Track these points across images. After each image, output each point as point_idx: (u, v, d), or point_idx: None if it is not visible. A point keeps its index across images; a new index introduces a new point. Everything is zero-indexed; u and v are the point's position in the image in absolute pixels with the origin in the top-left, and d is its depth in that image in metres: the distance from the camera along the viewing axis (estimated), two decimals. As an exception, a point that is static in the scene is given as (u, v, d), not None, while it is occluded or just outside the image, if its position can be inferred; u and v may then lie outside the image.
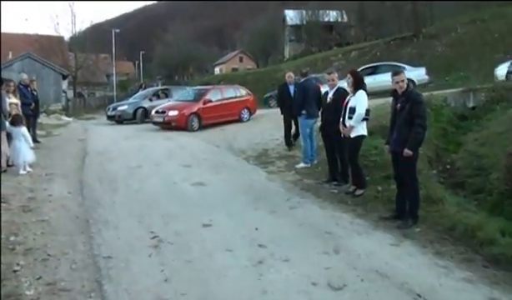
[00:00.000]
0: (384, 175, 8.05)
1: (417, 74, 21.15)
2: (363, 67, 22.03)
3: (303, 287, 4.55)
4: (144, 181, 9.24)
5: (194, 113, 17.95)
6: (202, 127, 17.81)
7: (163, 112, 18.29)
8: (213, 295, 4.45)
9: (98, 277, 4.77)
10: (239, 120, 19.19)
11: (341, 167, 8.56)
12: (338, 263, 5.10)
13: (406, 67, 21.43)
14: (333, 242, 5.72)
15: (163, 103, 20.74)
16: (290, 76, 12.55)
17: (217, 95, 19.39)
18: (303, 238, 5.91)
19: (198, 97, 19.01)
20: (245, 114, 19.69)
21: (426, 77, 21.77)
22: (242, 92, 20.79)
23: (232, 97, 19.82)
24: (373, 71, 21.80)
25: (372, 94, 18.72)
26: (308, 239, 5.87)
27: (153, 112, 19.03)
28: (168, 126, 17.84)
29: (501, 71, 18.18)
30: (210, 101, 18.74)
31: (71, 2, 60.19)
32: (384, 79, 20.26)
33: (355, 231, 6.20)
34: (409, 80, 20.12)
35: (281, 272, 4.85)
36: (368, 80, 19.96)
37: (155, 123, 18.68)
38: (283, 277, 4.76)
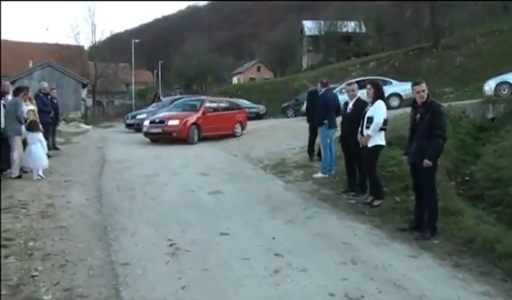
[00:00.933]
0: (402, 186, 8.00)
1: (403, 89, 20.57)
2: (348, 82, 21.60)
3: (320, 298, 4.52)
4: (162, 189, 9.28)
5: (195, 124, 16.74)
6: (200, 140, 16.83)
7: (162, 122, 16.69)
8: (230, 304, 4.44)
9: (116, 283, 4.78)
10: (233, 135, 18.16)
11: (359, 178, 8.51)
12: (356, 274, 5.05)
13: (393, 81, 21.10)
14: (350, 253, 5.68)
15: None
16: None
17: (213, 105, 18.77)
18: (321, 248, 5.87)
19: (197, 106, 17.82)
20: (238, 129, 18.74)
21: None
22: (235, 105, 20.49)
23: (227, 109, 19.08)
24: (359, 86, 21.28)
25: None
26: (326, 249, 5.83)
27: (146, 122, 17.53)
28: (166, 137, 16.52)
29: (489, 86, 17.99)
30: (209, 111, 17.79)
31: (91, 12, 60.93)
32: None
33: (373, 242, 6.15)
34: (396, 94, 20.08)
35: (298, 282, 4.82)
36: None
37: (148, 135, 17.14)
38: (300, 288, 4.72)
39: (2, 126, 9.40)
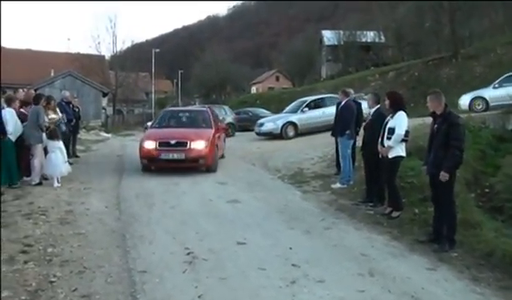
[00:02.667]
0: (420, 197, 7.92)
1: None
2: (310, 100, 21.23)
3: (337, 309, 4.50)
4: (180, 197, 9.33)
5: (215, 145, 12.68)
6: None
7: (180, 145, 11.87)
8: (246, 313, 4.44)
9: (133, 291, 4.82)
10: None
11: (377, 188, 8.45)
12: (373, 286, 5.01)
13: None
14: (367, 265, 5.64)
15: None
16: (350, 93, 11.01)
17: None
18: (338, 259, 5.84)
19: (207, 120, 13.78)
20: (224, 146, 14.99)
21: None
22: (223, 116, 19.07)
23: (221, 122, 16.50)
24: (321, 103, 20.82)
25: (320, 131, 18.45)
26: (343, 260, 5.80)
27: (148, 144, 12.10)
28: (190, 166, 12.03)
29: (464, 101, 17.87)
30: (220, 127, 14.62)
31: (112, 22, 61.86)
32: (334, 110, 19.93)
33: (391, 253, 6.09)
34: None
35: (315, 293, 4.80)
36: (317, 113, 19.89)
37: (152, 161, 12.13)
38: (317, 299, 4.70)
39: (9, 132, 9.39)
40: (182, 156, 11.73)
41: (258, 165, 13.58)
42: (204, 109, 15.70)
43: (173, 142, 11.90)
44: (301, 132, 20.00)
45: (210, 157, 12.04)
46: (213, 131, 12.87)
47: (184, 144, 11.83)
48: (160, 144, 11.89)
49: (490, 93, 17.74)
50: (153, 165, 12.14)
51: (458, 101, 17.98)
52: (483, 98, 17.66)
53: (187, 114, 15.09)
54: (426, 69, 33.81)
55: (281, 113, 22.80)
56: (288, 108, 22.81)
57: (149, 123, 25.85)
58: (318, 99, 21.47)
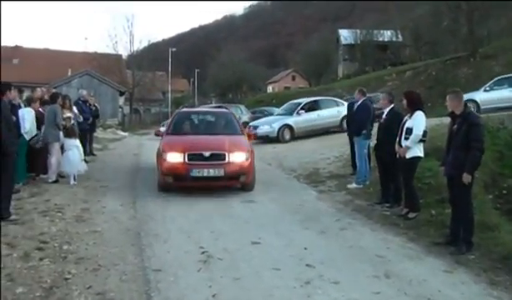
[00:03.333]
0: (438, 198, 7.82)
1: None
2: (305, 103, 20.54)
3: (352, 311, 4.45)
4: (196, 196, 9.33)
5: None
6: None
7: (217, 158, 9.39)
8: (260, 314, 4.41)
9: (147, 289, 4.82)
10: None
11: (393, 189, 8.37)
12: (389, 289, 4.95)
13: (345, 103, 20.54)
14: (383, 266, 5.57)
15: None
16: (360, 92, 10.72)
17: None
18: (353, 261, 5.79)
19: (240, 124, 11.76)
20: None
21: None
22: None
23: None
24: (316, 106, 20.32)
25: (317, 134, 18.18)
26: (358, 262, 5.74)
27: (172, 156, 9.41)
28: (222, 184, 9.64)
29: None
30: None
31: (129, 22, 62.41)
32: (329, 114, 19.70)
33: (407, 255, 6.02)
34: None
35: (329, 295, 4.76)
36: (313, 116, 19.45)
37: (179, 179, 9.39)
38: (332, 300, 4.66)
39: (24, 131, 9.42)
40: (220, 172, 9.15)
41: (274, 165, 13.56)
42: (227, 111, 13.36)
43: (207, 154, 9.31)
44: (297, 135, 19.37)
45: (251, 173, 9.73)
46: (246, 138, 10.67)
47: (221, 157, 9.34)
48: (190, 157, 9.24)
49: (481, 96, 17.74)
50: (180, 184, 9.41)
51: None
52: (474, 101, 17.56)
53: (208, 117, 12.62)
54: (444, 69, 33.43)
55: (275, 116, 22.10)
56: (280, 110, 22.57)
57: (167, 122, 25.94)
58: (313, 101, 20.83)
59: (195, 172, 9.12)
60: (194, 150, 9.45)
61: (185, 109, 16.40)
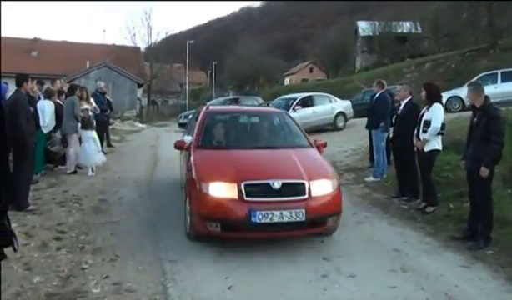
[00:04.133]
0: (456, 192, 7.72)
1: (345, 106, 20.04)
2: (300, 99, 19.73)
3: (368, 305, 4.41)
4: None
5: None
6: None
7: (292, 190, 5.76)
8: (276, 306, 4.38)
9: (164, 280, 4.85)
10: None
11: (410, 182, 8.28)
12: (405, 283, 4.90)
13: (337, 100, 20.16)
14: (400, 261, 5.52)
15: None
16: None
17: None
18: (370, 255, 5.74)
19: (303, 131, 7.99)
20: None
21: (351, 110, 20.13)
22: None
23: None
24: (310, 102, 19.65)
25: (312, 131, 17.78)
26: (375, 256, 5.70)
27: (219, 189, 5.68)
28: (301, 233, 6.04)
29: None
30: None
31: (147, 15, 62.73)
32: (324, 111, 19.26)
33: (424, 250, 5.96)
34: (341, 113, 19.27)
35: (346, 289, 4.72)
36: (308, 112, 18.85)
37: (234, 229, 5.64)
38: (348, 294, 4.62)
39: (43, 125, 9.45)
40: (300, 215, 5.61)
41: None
42: (278, 110, 9.00)
43: (276, 183, 5.69)
44: None
45: (340, 210, 6.23)
46: (319, 153, 7.14)
47: (299, 189, 5.79)
48: (249, 190, 5.65)
49: (466, 93, 17.29)
50: (232, 235, 5.77)
51: None
52: (459, 98, 17.63)
53: (254, 119, 8.33)
54: (463, 61, 32.98)
55: None
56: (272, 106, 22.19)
57: (184, 114, 25.86)
58: (307, 97, 19.97)
59: (259, 216, 5.47)
60: (255, 177, 5.80)
61: (216, 106, 10.89)
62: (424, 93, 7.64)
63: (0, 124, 2.73)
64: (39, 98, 9.89)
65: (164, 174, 10.71)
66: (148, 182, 10.02)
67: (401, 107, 8.56)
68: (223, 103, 23.51)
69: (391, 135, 9.03)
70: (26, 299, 4.29)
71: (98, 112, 12.41)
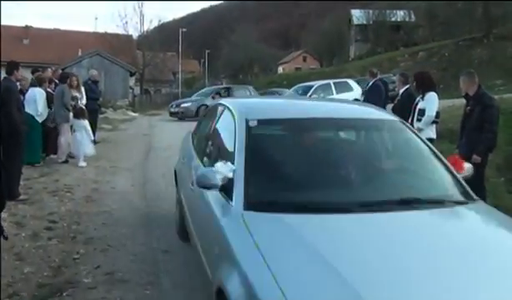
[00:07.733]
0: (450, 181, 7.68)
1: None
2: (221, 88, 20.31)
3: None
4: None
5: None
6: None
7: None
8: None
9: (156, 270, 4.80)
10: None
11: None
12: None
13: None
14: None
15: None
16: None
17: None
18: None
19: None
20: None
21: None
22: None
23: None
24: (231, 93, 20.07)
25: None
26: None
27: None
28: None
29: None
30: None
31: (140, 2, 62.18)
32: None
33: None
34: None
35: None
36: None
37: None
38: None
39: (37, 114, 9.31)
40: None
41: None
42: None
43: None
44: None
45: None
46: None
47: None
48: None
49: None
50: None
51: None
52: None
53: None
54: (457, 50, 33.06)
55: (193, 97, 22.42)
56: (196, 95, 23.17)
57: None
58: (226, 88, 20.11)
59: None
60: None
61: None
62: (415, 83, 7.60)
63: None
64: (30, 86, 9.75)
65: (158, 162, 10.64)
66: (140, 171, 9.95)
67: (398, 97, 8.52)
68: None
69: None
70: (17, 290, 4.23)
71: (84, 102, 11.98)
